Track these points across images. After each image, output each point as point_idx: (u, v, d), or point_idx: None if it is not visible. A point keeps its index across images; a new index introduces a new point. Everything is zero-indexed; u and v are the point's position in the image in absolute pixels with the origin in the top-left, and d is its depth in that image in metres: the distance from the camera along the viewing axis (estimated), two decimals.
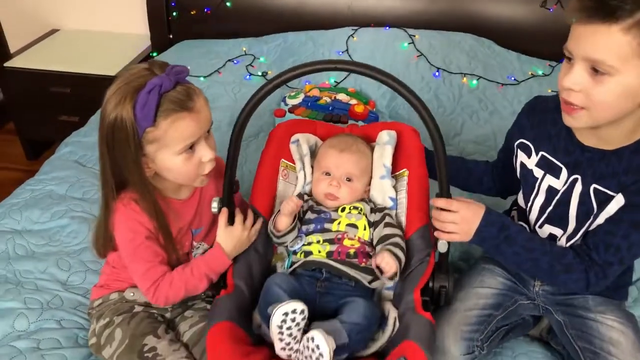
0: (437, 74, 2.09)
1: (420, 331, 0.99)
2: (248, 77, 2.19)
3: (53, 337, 1.16)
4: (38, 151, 2.71)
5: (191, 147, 1.03)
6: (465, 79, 2.09)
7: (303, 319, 0.97)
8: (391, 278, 1.11)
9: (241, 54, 2.31)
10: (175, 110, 0.98)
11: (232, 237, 1.11)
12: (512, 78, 2.09)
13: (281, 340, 0.98)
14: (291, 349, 0.98)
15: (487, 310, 1.17)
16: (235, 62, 2.25)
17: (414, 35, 2.18)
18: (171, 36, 2.52)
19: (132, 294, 1.16)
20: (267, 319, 0.99)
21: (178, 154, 1.02)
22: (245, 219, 1.15)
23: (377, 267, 1.11)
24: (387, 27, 2.25)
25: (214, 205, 1.12)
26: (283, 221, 1.18)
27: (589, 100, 0.95)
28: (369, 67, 1.03)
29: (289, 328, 0.97)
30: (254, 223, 1.17)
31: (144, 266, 1.06)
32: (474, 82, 2.07)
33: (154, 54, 2.52)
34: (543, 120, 1.14)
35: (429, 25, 2.27)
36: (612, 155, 1.04)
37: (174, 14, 2.48)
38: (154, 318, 1.14)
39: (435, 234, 1.08)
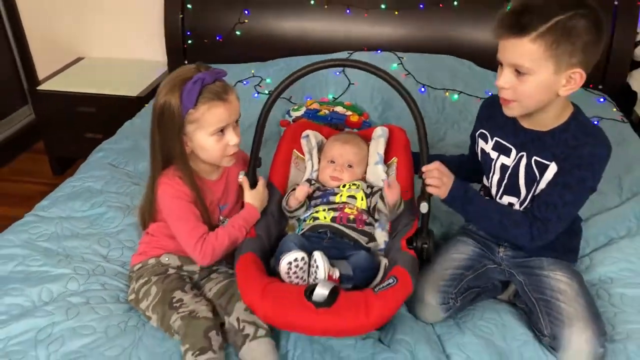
0: (422, 89, 2.37)
1: (406, 260, 1.27)
2: (256, 95, 2.47)
3: (99, 296, 1.39)
4: (63, 167, 2.96)
5: (221, 131, 1.30)
6: (447, 93, 2.36)
7: (305, 264, 1.23)
8: (394, 206, 1.40)
9: (250, 76, 2.58)
10: (212, 99, 1.27)
11: (257, 196, 1.42)
12: (489, 93, 2.37)
13: (291, 281, 1.23)
14: (297, 283, 1.24)
15: (460, 270, 1.41)
16: (244, 82, 2.53)
17: (402, 57, 2.47)
18: (186, 62, 2.80)
19: (167, 259, 1.40)
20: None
21: (210, 135, 1.30)
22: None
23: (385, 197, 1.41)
24: (379, 51, 2.54)
25: (240, 177, 1.42)
26: (294, 201, 1.47)
27: (517, 94, 1.25)
28: (371, 65, 1.37)
29: (294, 272, 1.22)
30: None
31: (189, 225, 1.32)
32: (455, 96, 2.35)
33: None
34: (495, 113, 1.43)
35: (415, 49, 2.55)
36: (546, 134, 1.32)
37: (189, 42, 2.76)
38: (183, 279, 1.39)
39: (426, 187, 1.34)
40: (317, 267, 1.22)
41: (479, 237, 1.49)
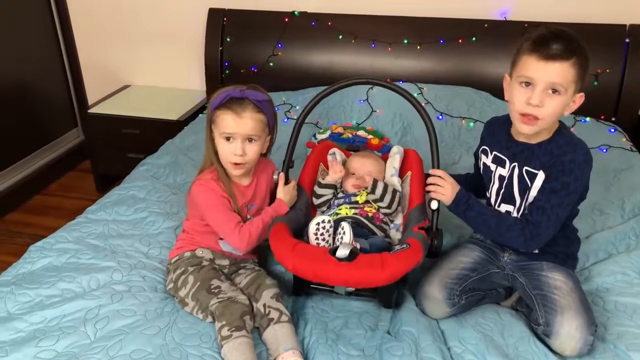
0: (440, 117, 2.53)
1: (417, 235, 1.45)
2: (286, 120, 2.67)
3: (140, 285, 1.57)
4: (106, 185, 3.18)
5: (229, 139, 1.50)
6: (464, 121, 2.52)
7: (331, 227, 1.42)
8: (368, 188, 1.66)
9: (281, 103, 2.78)
10: (226, 107, 1.50)
11: (288, 192, 1.62)
12: None
13: (318, 244, 1.41)
14: (323, 246, 1.42)
15: (465, 271, 1.55)
16: (276, 109, 2.74)
17: (423, 88, 2.65)
18: (233, 85, 3.03)
19: (201, 252, 1.58)
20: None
21: (220, 137, 1.52)
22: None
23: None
24: (401, 82, 2.73)
25: (275, 175, 1.64)
26: (328, 179, 1.72)
27: (544, 112, 1.40)
28: (395, 85, 1.60)
29: (322, 234, 1.41)
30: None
31: (226, 215, 1.51)
32: (472, 124, 2.51)
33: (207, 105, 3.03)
34: (494, 131, 1.62)
35: (436, 81, 2.73)
36: (535, 147, 1.49)
37: (227, 72, 3.00)
38: (216, 270, 1.56)
39: (431, 193, 1.53)
40: (344, 232, 1.40)
41: (486, 245, 1.63)
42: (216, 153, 1.57)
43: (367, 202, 1.68)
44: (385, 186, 1.68)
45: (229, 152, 1.53)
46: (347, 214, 1.63)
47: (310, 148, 2.36)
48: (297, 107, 2.77)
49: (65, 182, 3.33)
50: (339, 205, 1.69)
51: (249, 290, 1.49)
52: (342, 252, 1.32)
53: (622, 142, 2.40)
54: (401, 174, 1.80)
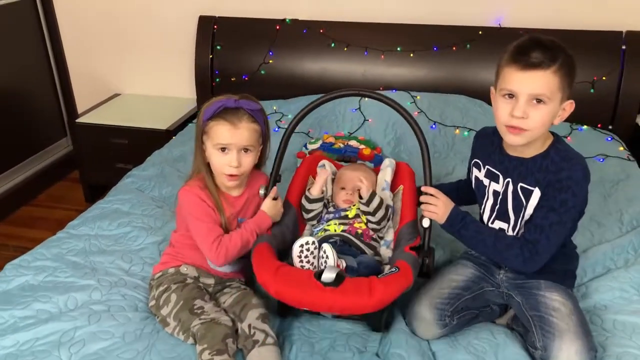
0: (434, 126, 2.48)
1: (408, 257, 1.38)
2: (277, 129, 2.61)
3: (119, 305, 1.51)
4: (95, 195, 3.12)
5: (224, 150, 1.44)
6: (457, 130, 2.47)
7: (315, 248, 1.35)
8: (364, 198, 1.59)
9: (272, 112, 2.73)
10: (221, 118, 1.44)
11: (275, 207, 1.55)
12: None
13: (302, 266, 1.35)
14: (308, 268, 1.36)
15: (457, 290, 1.48)
16: (267, 117, 2.68)
17: (416, 96, 2.59)
18: (225, 95, 2.99)
19: (185, 269, 1.52)
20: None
21: (214, 148, 1.46)
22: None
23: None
24: (394, 90, 2.67)
25: (262, 190, 1.57)
26: (316, 188, 1.65)
27: (530, 123, 1.34)
28: (386, 97, 1.53)
29: (306, 256, 1.35)
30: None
31: (208, 225, 1.45)
32: (466, 133, 2.45)
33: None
34: (485, 143, 1.56)
35: (429, 89, 2.68)
36: (529, 161, 1.43)
37: (217, 80, 2.95)
38: (201, 289, 1.50)
39: (423, 212, 1.46)
40: (326, 256, 1.34)
41: (480, 261, 1.57)
42: (206, 164, 1.52)
43: (357, 216, 1.62)
44: (381, 202, 1.61)
45: (223, 164, 1.47)
46: (335, 230, 1.57)
47: (301, 159, 2.30)
48: (289, 116, 2.71)
49: (54, 192, 3.27)
50: (328, 220, 1.63)
51: (234, 310, 1.43)
52: (328, 276, 1.26)
53: (619, 152, 2.35)
54: (393, 187, 1.75)
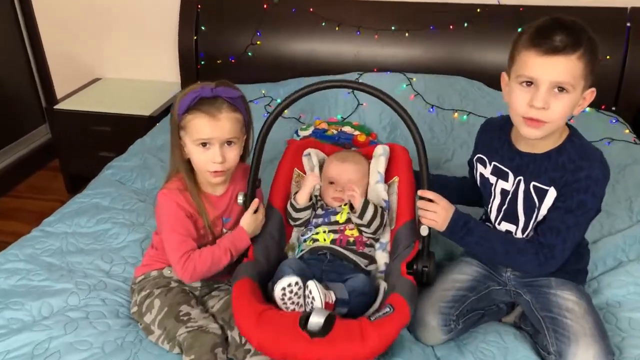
0: (431, 110, 2.36)
1: (404, 287, 1.24)
2: (265, 114, 2.48)
3: (99, 311, 1.39)
4: (77, 185, 2.98)
5: (205, 145, 1.32)
6: (456, 114, 2.35)
7: (299, 289, 1.21)
8: (356, 210, 1.43)
9: (260, 96, 2.60)
10: (199, 110, 1.31)
11: (255, 222, 1.40)
12: (499, 113, 2.34)
13: (287, 308, 1.21)
14: (294, 309, 1.22)
15: (462, 292, 1.38)
16: (255, 102, 2.56)
17: (412, 78, 2.47)
18: (199, 82, 2.84)
19: (169, 272, 1.41)
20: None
21: (194, 144, 1.33)
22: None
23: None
24: (389, 72, 2.55)
25: (240, 198, 1.40)
26: (303, 196, 1.48)
27: (551, 114, 1.21)
28: (375, 88, 1.34)
29: (290, 299, 1.21)
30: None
31: (179, 238, 1.32)
32: (465, 116, 2.34)
33: None
34: (491, 137, 1.43)
35: (425, 70, 2.55)
36: (542, 157, 1.31)
37: (202, 63, 2.80)
38: (186, 293, 1.39)
39: (421, 219, 1.33)
40: (312, 297, 1.20)
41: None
42: (185, 161, 1.39)
43: (348, 220, 1.48)
44: (376, 211, 1.45)
45: (206, 160, 1.34)
46: (325, 240, 1.43)
47: None
48: (278, 100, 2.57)
49: (34, 182, 3.13)
50: (317, 225, 1.49)
51: (223, 316, 1.33)
52: (316, 321, 1.12)
53: (624, 135, 2.25)
54: (387, 177, 1.60)
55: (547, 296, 1.34)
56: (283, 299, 1.21)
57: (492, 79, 2.48)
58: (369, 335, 1.12)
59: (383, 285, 1.33)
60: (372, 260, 1.44)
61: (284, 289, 1.20)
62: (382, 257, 1.47)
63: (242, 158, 1.48)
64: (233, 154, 1.36)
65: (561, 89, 1.20)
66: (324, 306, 1.19)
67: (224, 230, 1.44)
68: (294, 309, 1.22)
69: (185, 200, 1.36)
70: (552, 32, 1.18)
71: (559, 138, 1.30)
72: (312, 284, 1.21)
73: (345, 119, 2.38)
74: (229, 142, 1.35)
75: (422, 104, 2.36)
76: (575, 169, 1.25)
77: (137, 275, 1.44)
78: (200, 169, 1.37)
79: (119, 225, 1.73)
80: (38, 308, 1.38)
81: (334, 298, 1.24)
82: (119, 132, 2.69)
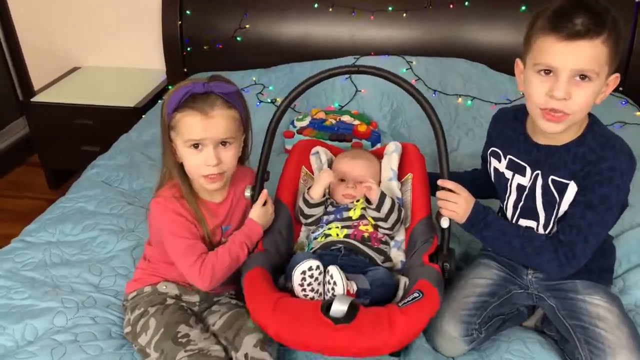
0: (434, 95, 2.24)
1: (431, 274, 1.16)
2: (258, 104, 2.35)
3: (89, 331, 1.27)
4: (60, 181, 2.85)
5: (197, 146, 1.19)
6: (460, 99, 2.24)
7: (320, 273, 1.12)
8: (373, 203, 1.33)
9: (251, 83, 2.47)
10: (190, 108, 1.18)
11: (265, 214, 1.30)
12: (505, 98, 2.24)
13: (305, 296, 1.12)
14: (312, 297, 1.13)
15: (483, 297, 1.28)
16: (245, 90, 2.42)
17: (412, 62, 2.34)
18: (186, 70, 2.69)
19: (164, 287, 1.29)
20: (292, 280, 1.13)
21: (186, 146, 1.20)
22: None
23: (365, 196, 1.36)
24: (387, 55, 2.41)
25: (247, 191, 1.30)
26: (317, 191, 1.38)
27: (572, 105, 1.10)
28: (383, 70, 1.29)
29: (309, 284, 1.12)
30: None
31: (187, 242, 1.21)
32: (469, 102, 2.22)
33: (170, 87, 2.68)
34: (505, 129, 1.32)
35: (425, 52, 2.43)
36: (561, 149, 1.20)
37: (189, 49, 2.65)
38: (184, 310, 1.27)
39: (441, 210, 1.24)
40: (334, 282, 1.11)
41: (504, 259, 1.36)
42: (179, 166, 1.26)
43: (362, 217, 1.38)
44: (393, 204, 1.36)
45: (199, 164, 1.22)
46: (337, 235, 1.33)
47: (288, 138, 2.05)
48: (271, 88, 2.45)
49: (14, 178, 2.98)
50: (328, 222, 1.39)
51: (226, 335, 1.21)
52: (339, 309, 1.03)
53: (636, 117, 2.15)
54: (400, 174, 1.50)
55: (575, 302, 1.24)
56: (302, 285, 1.12)
57: (495, 61, 2.38)
58: (397, 322, 1.04)
59: (404, 280, 1.24)
60: (387, 257, 1.35)
61: (304, 272, 1.12)
62: (397, 256, 1.38)
63: (241, 160, 1.35)
64: (229, 156, 1.24)
65: (583, 77, 1.09)
66: (345, 294, 1.09)
67: (223, 239, 1.32)
68: (313, 297, 1.13)
69: (183, 208, 1.24)
70: (572, 15, 1.07)
71: (579, 128, 1.19)
72: (333, 269, 1.12)
73: (343, 107, 2.25)
74: (224, 143, 1.22)
75: (424, 89, 2.23)
76: (597, 160, 1.15)
77: (129, 291, 1.32)
78: (193, 173, 1.24)
79: (106, 232, 1.60)
80: (21, 331, 1.26)
81: (355, 288, 1.15)
82: (101, 124, 2.54)
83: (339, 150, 1.62)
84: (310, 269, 1.11)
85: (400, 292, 1.22)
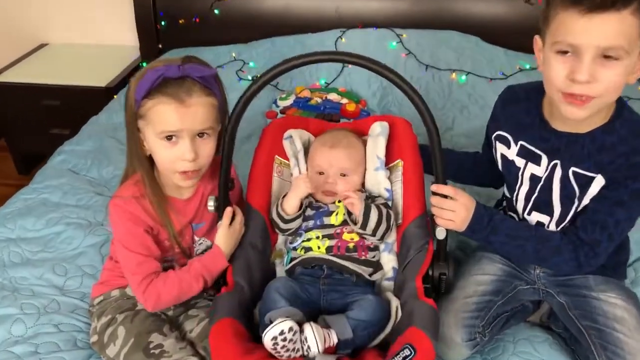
0: (425, 71, 2.10)
1: (424, 318, 1.00)
2: (239, 80, 2.20)
3: (51, 341, 1.15)
4: (29, 166, 2.68)
5: (171, 138, 1.05)
6: (454, 74, 2.10)
7: (294, 334, 0.97)
8: (358, 222, 1.16)
9: (231, 59, 2.32)
10: (164, 94, 1.03)
11: (233, 237, 1.14)
12: (501, 73, 2.11)
13: (281, 356, 0.97)
14: (290, 356, 0.98)
15: (487, 297, 1.17)
16: (224, 67, 2.26)
17: (402, 35, 2.20)
18: (160, 46, 2.53)
19: None
20: (265, 326, 0.99)
21: (158, 138, 1.06)
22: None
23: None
24: (375, 28, 2.27)
25: (211, 203, 1.13)
26: (292, 205, 1.20)
27: (599, 87, 0.96)
28: (362, 57, 1.04)
29: (283, 347, 0.97)
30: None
31: (137, 258, 1.07)
32: (463, 77, 2.09)
33: (144, 64, 2.52)
34: (516, 111, 1.17)
35: (415, 24, 2.28)
36: (585, 137, 1.07)
37: (163, 23, 2.49)
38: (157, 316, 1.14)
39: (436, 219, 1.09)
40: (308, 346, 0.97)
41: None
42: (145, 158, 1.11)
43: (345, 222, 1.22)
44: (380, 215, 1.17)
45: (174, 158, 1.07)
46: (319, 248, 1.18)
47: (272, 119, 1.90)
48: (251, 64, 2.30)
49: None
50: (307, 229, 1.22)
51: (204, 345, 1.08)
52: None
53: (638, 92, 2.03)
54: (388, 160, 1.31)
55: (588, 300, 1.13)
56: (275, 348, 0.97)
57: (489, 33, 2.25)
58: None
59: (395, 304, 1.10)
60: (377, 266, 1.20)
61: (275, 338, 0.96)
62: (389, 261, 1.23)
63: (217, 150, 1.21)
64: (207, 149, 1.09)
65: (608, 55, 0.94)
66: (323, 347, 0.96)
67: (195, 238, 1.19)
68: (290, 355, 0.98)
69: (143, 210, 1.10)
70: None
71: (606, 114, 1.06)
72: (308, 330, 0.98)
73: (329, 84, 2.11)
74: (202, 134, 1.08)
75: (415, 65, 2.11)
76: (631, 151, 1.02)
77: (95, 295, 1.19)
78: (166, 169, 1.10)
79: (73, 226, 1.46)
80: None
81: (335, 340, 1.00)
82: (71, 106, 2.38)
83: (318, 125, 1.41)
84: (282, 332, 0.95)
85: (392, 320, 1.08)
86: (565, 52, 0.98)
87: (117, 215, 1.09)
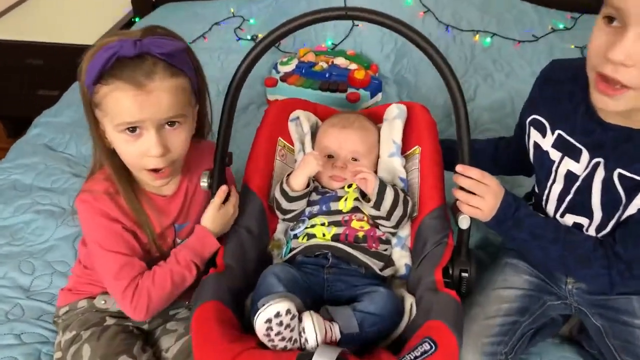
0: (447, 31, 1.88)
1: (446, 309, 0.87)
2: (237, 40, 1.99)
3: (11, 356, 1.01)
4: (19, 128, 2.53)
5: (134, 131, 0.87)
6: (477, 36, 1.88)
7: (292, 318, 0.83)
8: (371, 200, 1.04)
9: (229, 16, 2.12)
10: (119, 79, 0.84)
11: (224, 218, 1.00)
12: (530, 33, 1.88)
13: (274, 346, 0.83)
14: (285, 347, 0.84)
15: (512, 317, 1.00)
16: (222, 24, 2.05)
17: None
18: (117, 32, 2.31)
19: (103, 302, 1.01)
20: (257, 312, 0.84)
21: (117, 131, 0.88)
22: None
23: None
24: None
25: (204, 179, 0.99)
26: (300, 180, 1.07)
27: (636, 75, 0.75)
28: (382, 14, 0.92)
29: (278, 333, 0.82)
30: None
31: (119, 260, 0.92)
32: (488, 39, 1.87)
33: (137, 19, 2.31)
34: (559, 92, 0.96)
35: None
36: (639, 134, 0.85)
37: None
38: (128, 332, 0.99)
39: (460, 205, 0.93)
40: (305, 339, 0.82)
41: None
42: (110, 151, 0.94)
43: (355, 209, 1.07)
44: (396, 195, 1.05)
45: (138, 154, 0.90)
46: (324, 236, 1.03)
47: (271, 87, 1.71)
48: (251, 21, 2.09)
49: None
50: (312, 215, 1.08)
51: None
52: None
53: None
54: (404, 147, 1.17)
55: (631, 330, 0.96)
56: (269, 335, 0.82)
57: None
58: None
59: (409, 301, 0.96)
60: (388, 262, 1.05)
61: (269, 320, 0.81)
62: (401, 257, 1.08)
63: (200, 134, 1.03)
64: (179, 140, 0.92)
65: None
66: (323, 340, 0.83)
67: (178, 240, 1.03)
68: (285, 347, 0.84)
69: (117, 207, 0.93)
70: None
71: None
72: (307, 320, 0.84)
73: (336, 45, 1.89)
74: (171, 123, 0.90)
75: (434, 24, 1.88)
76: None
77: (61, 304, 1.04)
78: (132, 166, 0.93)
79: (44, 214, 1.31)
80: None
81: (338, 335, 0.86)
82: (56, 66, 2.20)
83: (327, 111, 1.28)
84: (277, 315, 0.81)
85: (406, 318, 0.93)
86: (611, 20, 0.77)
87: (87, 213, 0.93)
